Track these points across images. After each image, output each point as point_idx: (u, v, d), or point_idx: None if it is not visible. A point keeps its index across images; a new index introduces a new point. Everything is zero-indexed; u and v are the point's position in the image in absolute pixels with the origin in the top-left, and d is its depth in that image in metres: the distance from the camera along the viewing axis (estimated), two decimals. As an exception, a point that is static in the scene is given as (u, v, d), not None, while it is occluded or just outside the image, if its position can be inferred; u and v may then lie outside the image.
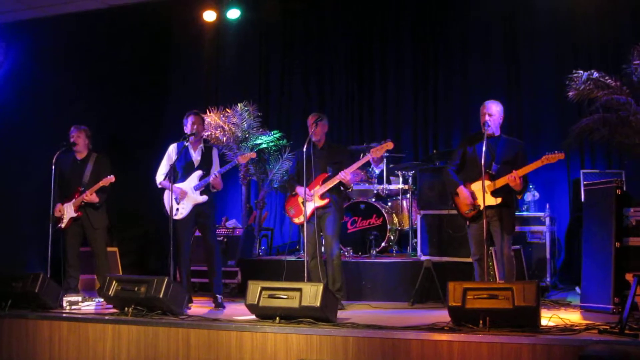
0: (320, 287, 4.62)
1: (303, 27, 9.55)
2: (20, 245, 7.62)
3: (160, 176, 6.02)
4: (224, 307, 5.78)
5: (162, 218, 6.14)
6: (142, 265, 8.52)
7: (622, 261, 5.17)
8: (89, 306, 5.67)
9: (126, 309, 5.08)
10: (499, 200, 5.17)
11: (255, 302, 4.74)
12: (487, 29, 8.51)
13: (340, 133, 9.19)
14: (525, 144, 5.66)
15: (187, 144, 5.89)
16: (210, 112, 7.88)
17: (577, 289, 6.03)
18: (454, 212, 5.61)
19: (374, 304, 6.12)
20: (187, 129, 5.96)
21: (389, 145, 5.82)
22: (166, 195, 5.92)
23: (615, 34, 7.63)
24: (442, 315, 4.66)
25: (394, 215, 7.41)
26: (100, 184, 6.16)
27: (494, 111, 5.31)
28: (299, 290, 4.63)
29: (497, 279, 5.60)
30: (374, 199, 7.53)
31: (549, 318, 4.65)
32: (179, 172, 5.94)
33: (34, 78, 7.93)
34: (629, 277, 4.95)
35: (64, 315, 5.30)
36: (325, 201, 5.83)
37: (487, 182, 5.12)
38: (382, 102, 9.07)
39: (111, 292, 5.20)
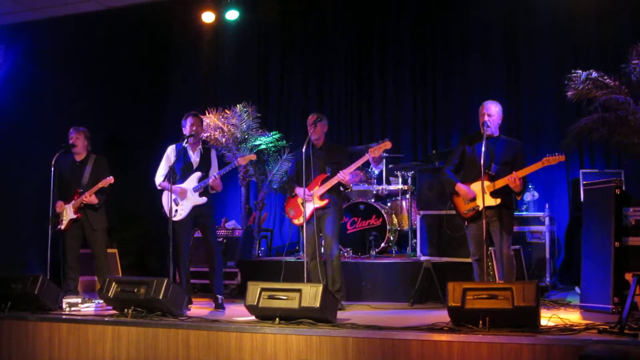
0: (320, 287, 4.62)
1: (302, 27, 9.53)
2: (19, 247, 7.63)
3: (159, 177, 6.00)
4: (224, 308, 5.77)
5: (161, 219, 6.13)
6: (141, 266, 8.52)
7: (622, 261, 5.17)
8: (88, 308, 5.67)
9: (126, 310, 5.08)
10: (499, 201, 5.16)
11: (255, 303, 4.74)
12: (487, 29, 8.50)
13: (340, 133, 9.18)
14: (525, 145, 5.66)
15: (185, 146, 5.88)
16: (209, 114, 7.87)
17: (577, 289, 6.03)
18: (453, 212, 5.61)
19: (373, 304, 6.12)
20: (186, 131, 5.94)
21: (387, 144, 5.80)
22: (165, 197, 5.91)
23: (615, 34, 7.62)
24: (441, 316, 4.65)
25: (393, 215, 7.41)
26: (100, 185, 6.16)
27: (493, 111, 5.30)
28: (299, 291, 4.63)
29: (497, 279, 5.60)
30: (373, 200, 7.53)
31: (548, 318, 4.64)
32: (177, 173, 5.93)
33: (33, 79, 7.94)
34: (628, 276, 4.95)
35: (64, 316, 5.30)
36: (325, 202, 5.82)
37: (486, 183, 5.12)
38: (381, 102, 9.05)
39: (111, 294, 5.19)
